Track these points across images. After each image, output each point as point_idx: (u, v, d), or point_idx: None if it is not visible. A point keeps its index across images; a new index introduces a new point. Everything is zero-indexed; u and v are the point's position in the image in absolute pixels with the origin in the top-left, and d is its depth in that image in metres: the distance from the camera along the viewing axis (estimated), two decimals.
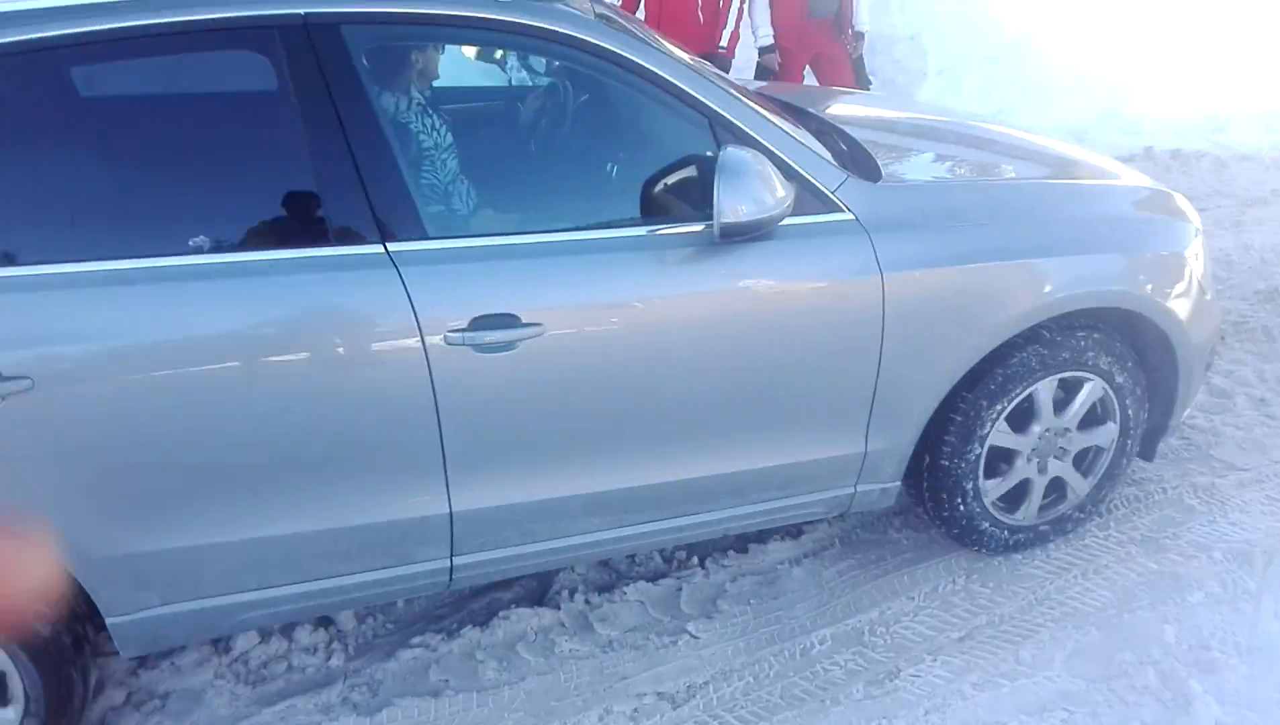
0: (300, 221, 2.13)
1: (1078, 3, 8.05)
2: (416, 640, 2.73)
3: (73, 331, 1.95)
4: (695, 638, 2.75)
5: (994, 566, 2.97)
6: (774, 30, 5.72)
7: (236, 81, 2.22)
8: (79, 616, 2.19)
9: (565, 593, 2.91)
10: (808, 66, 5.97)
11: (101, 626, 2.18)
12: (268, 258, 2.08)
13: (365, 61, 2.13)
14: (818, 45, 5.83)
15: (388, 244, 2.12)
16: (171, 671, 2.53)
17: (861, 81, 6.01)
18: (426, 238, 2.17)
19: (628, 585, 2.93)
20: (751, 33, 5.80)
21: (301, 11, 2.07)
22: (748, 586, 2.94)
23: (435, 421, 2.19)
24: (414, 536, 2.32)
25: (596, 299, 2.29)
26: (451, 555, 2.39)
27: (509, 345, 2.18)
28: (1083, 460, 2.94)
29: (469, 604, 2.89)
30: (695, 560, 3.04)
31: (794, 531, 3.15)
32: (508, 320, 2.17)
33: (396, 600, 2.78)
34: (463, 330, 2.14)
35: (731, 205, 2.18)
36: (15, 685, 2.07)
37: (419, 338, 2.11)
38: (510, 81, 2.87)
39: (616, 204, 2.42)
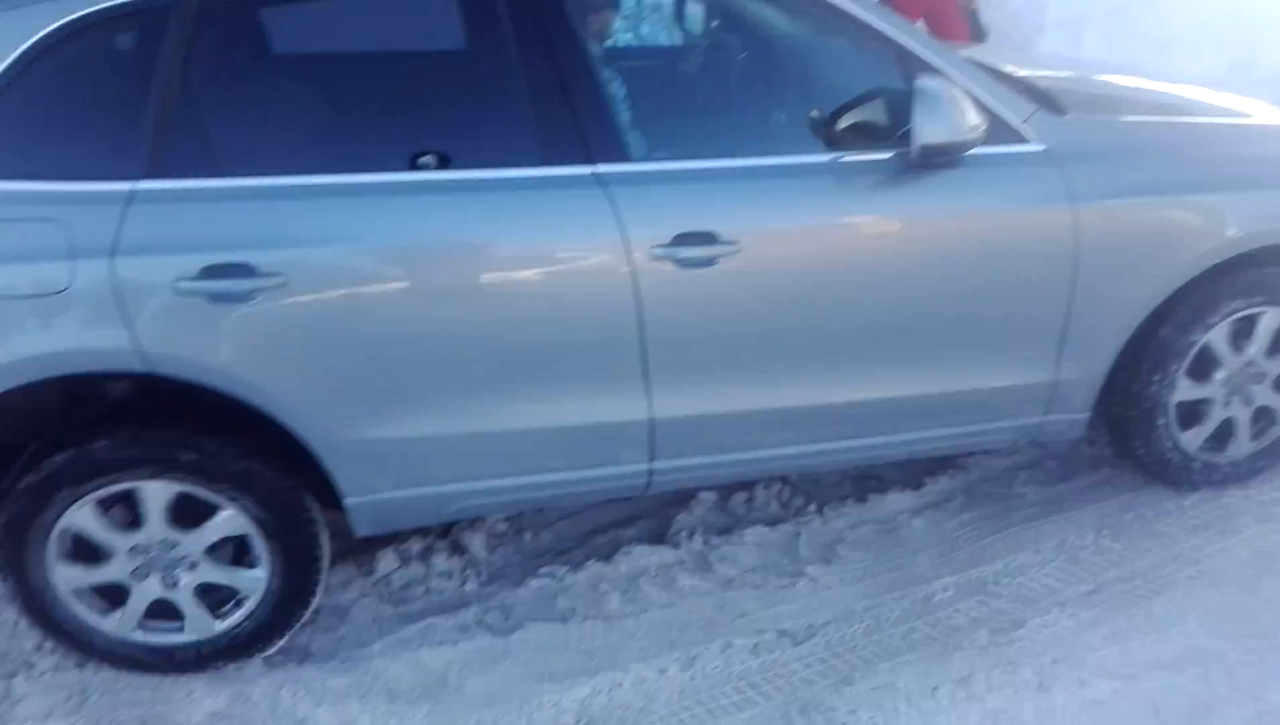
0: (519, 143, 2.32)
1: None
2: (544, 570, 2.83)
3: (319, 236, 2.17)
4: (814, 580, 2.78)
5: (1125, 523, 2.90)
6: None
7: (464, 15, 2.44)
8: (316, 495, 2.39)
9: (685, 533, 2.96)
10: (920, 20, 5.80)
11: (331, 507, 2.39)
12: (489, 176, 2.27)
13: None
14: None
15: (597, 165, 2.28)
16: (321, 588, 2.68)
17: (978, 36, 5.81)
18: (631, 161, 2.33)
19: (746, 529, 2.97)
20: None
21: None
22: (867, 534, 2.95)
23: (638, 330, 2.33)
24: (617, 440, 2.47)
25: (790, 221, 2.42)
26: (651, 460, 2.52)
27: (708, 261, 2.31)
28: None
29: (593, 539, 2.98)
30: (813, 508, 3.06)
31: (914, 483, 3.14)
32: (707, 238, 2.30)
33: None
34: (666, 246, 2.28)
35: (930, 128, 2.26)
36: (261, 551, 2.33)
37: (625, 252, 2.27)
38: (708, 16, 2.99)
39: (807, 133, 2.47)
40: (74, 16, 2.07)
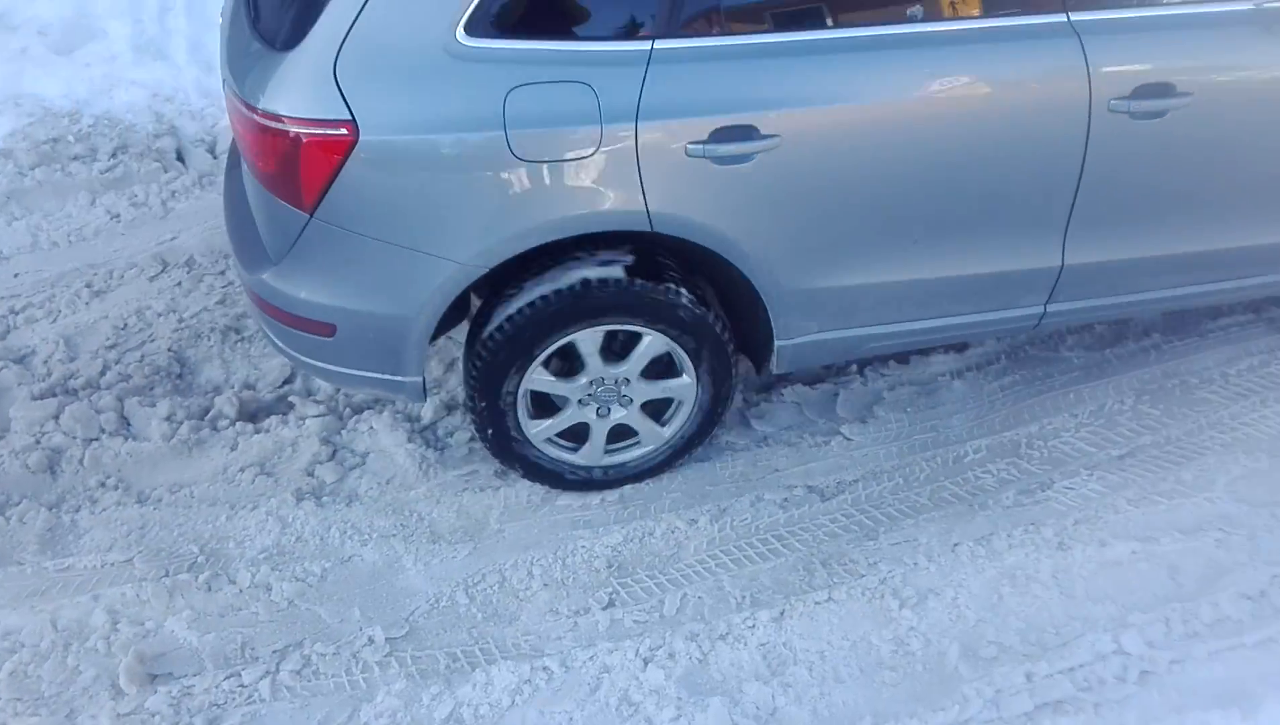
0: None
1: None
2: None
3: (814, 94, 2.21)
4: (848, 439, 2.84)
5: (1168, 388, 2.89)
6: None
7: None
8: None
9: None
10: None
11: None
12: (969, 27, 2.31)
13: None
14: None
15: (1071, 13, 2.29)
16: (370, 434, 2.83)
17: None
18: (1105, 8, 2.33)
19: (785, 387, 3.02)
20: None
21: None
22: (905, 395, 2.98)
23: (1077, 179, 2.41)
24: (1025, 285, 2.60)
25: (1238, 70, 2.43)
26: (1047, 302, 2.65)
27: (1160, 114, 2.36)
28: None
29: None
30: (854, 368, 3.09)
31: (959, 346, 3.13)
32: (1167, 91, 2.34)
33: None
34: (1126, 97, 2.32)
35: None
36: (689, 367, 2.53)
37: (1088, 100, 2.31)
38: None
39: None
40: None
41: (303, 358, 2.44)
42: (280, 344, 2.48)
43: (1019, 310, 2.65)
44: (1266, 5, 2.35)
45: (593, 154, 2.12)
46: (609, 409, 2.55)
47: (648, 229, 2.24)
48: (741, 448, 2.84)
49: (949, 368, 3.07)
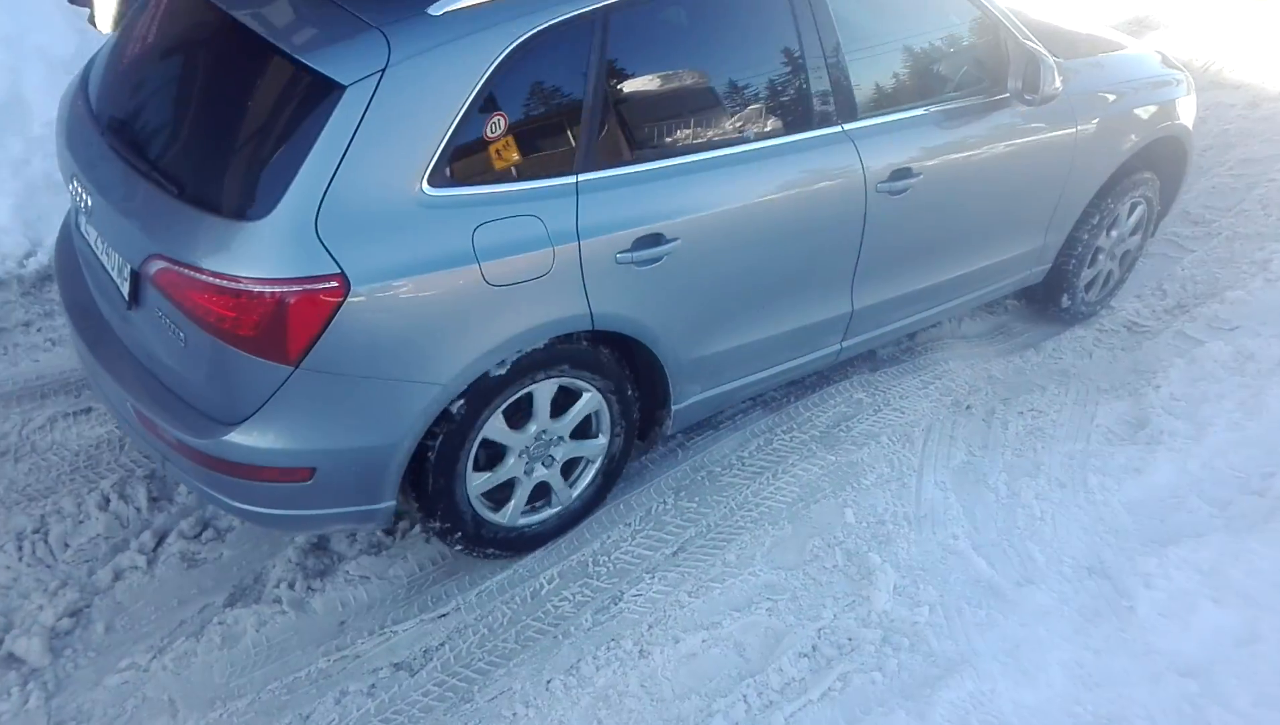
0: (799, 115, 2.93)
1: None
2: (125, 664, 2.56)
3: (699, 203, 2.70)
4: (431, 604, 2.76)
5: (698, 481, 3.19)
6: None
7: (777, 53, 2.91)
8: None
9: (280, 583, 2.81)
10: None
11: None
12: (786, 141, 2.89)
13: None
14: None
15: (844, 125, 2.98)
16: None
17: None
18: (858, 119, 3.02)
19: (349, 562, 2.88)
20: None
21: None
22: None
23: (859, 243, 3.11)
24: (830, 328, 3.26)
25: (956, 151, 3.26)
26: (843, 340, 3.35)
27: (905, 190, 3.11)
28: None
29: (181, 615, 2.74)
30: (415, 529, 3.03)
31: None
32: (907, 173, 3.10)
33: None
34: (884, 181, 3.05)
35: (1051, 85, 3.24)
36: (606, 428, 2.91)
37: (864, 186, 3.01)
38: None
39: (946, 86, 3.29)
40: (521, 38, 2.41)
41: (265, 510, 2.49)
42: (234, 502, 2.48)
43: (827, 348, 3.33)
44: (934, 109, 3.22)
45: (549, 272, 2.47)
46: (534, 467, 2.81)
47: (590, 328, 2.61)
48: (317, 640, 2.65)
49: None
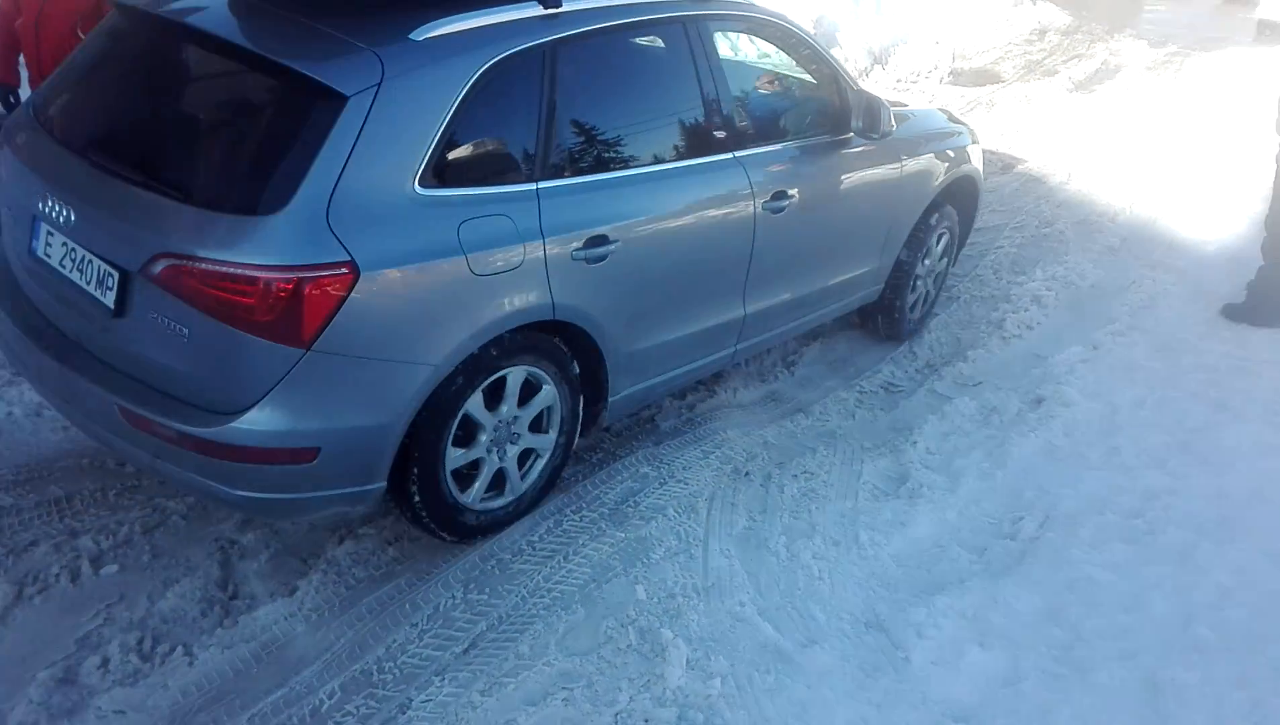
0: (703, 142, 3.48)
1: None
2: None
3: (632, 210, 3.18)
4: None
5: (488, 572, 3.11)
6: None
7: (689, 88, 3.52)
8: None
9: None
10: None
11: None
12: (695, 162, 3.44)
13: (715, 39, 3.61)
14: None
15: (735, 152, 3.57)
16: None
17: None
18: (746, 149, 3.62)
19: (100, 698, 2.60)
20: None
21: (686, 13, 3.50)
22: (244, 655, 2.76)
23: (749, 255, 3.66)
24: (728, 330, 3.78)
25: (819, 178, 3.95)
26: (737, 342, 3.87)
27: (783, 210, 3.71)
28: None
29: None
30: (179, 649, 2.79)
31: (288, 591, 3.02)
32: (785, 195, 3.70)
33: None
34: (767, 201, 3.64)
35: (888, 124, 3.99)
36: (556, 424, 3.31)
37: (753, 205, 3.59)
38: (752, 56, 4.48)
39: (808, 124, 4.03)
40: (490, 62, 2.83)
41: (266, 496, 2.66)
42: (235, 491, 2.63)
43: (726, 350, 3.85)
44: (799, 143, 3.90)
45: (520, 265, 2.85)
46: (501, 452, 3.13)
47: (552, 317, 2.99)
48: None
49: (281, 615, 2.93)
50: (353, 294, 2.50)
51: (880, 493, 3.68)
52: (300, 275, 2.44)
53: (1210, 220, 6.46)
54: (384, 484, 2.80)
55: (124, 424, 2.65)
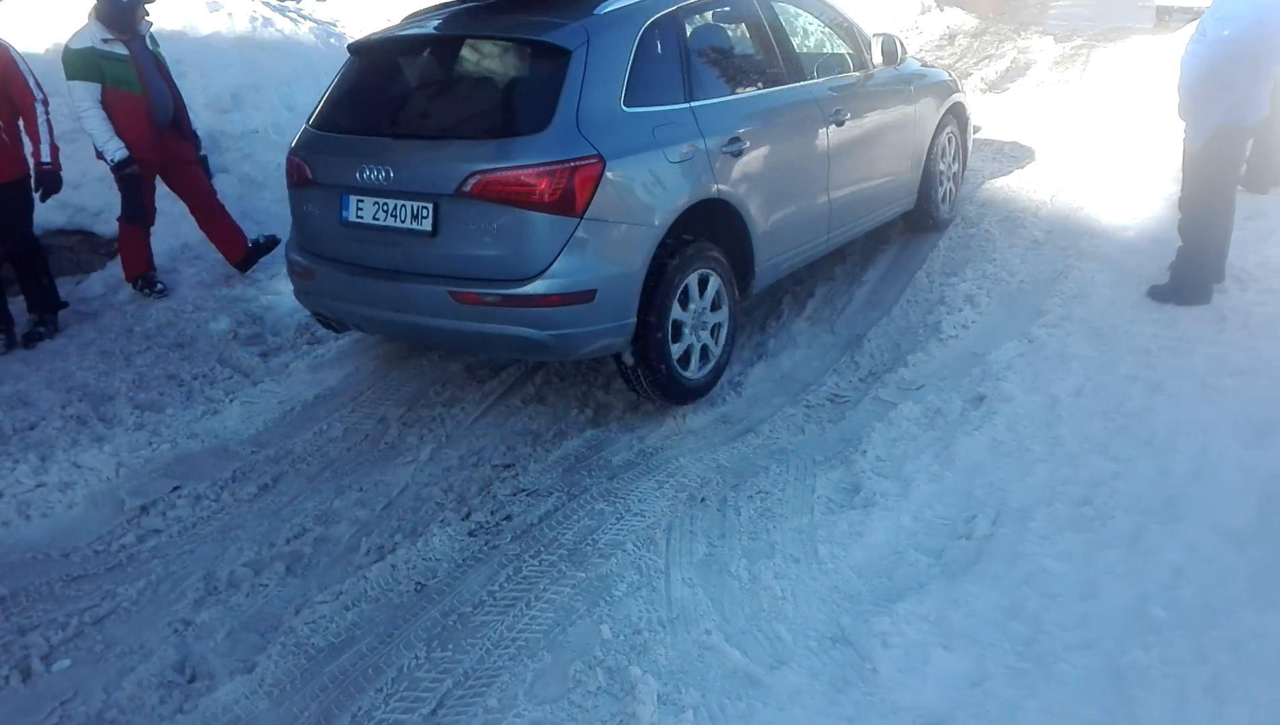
0: (779, 75, 4.86)
1: None
2: None
3: (749, 120, 4.49)
4: None
5: (450, 627, 3.07)
6: (126, 142, 5.36)
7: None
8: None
9: None
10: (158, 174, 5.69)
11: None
12: (779, 89, 4.82)
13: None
14: (171, 149, 5.59)
15: (802, 82, 4.97)
16: None
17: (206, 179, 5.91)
18: (810, 79, 5.05)
19: None
20: (96, 151, 5.39)
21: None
22: None
23: (827, 155, 4.94)
24: (820, 220, 5.01)
25: (861, 101, 5.27)
26: (829, 232, 5.11)
27: (844, 122, 5.03)
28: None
29: None
30: None
31: (246, 668, 2.96)
32: (842, 113, 5.03)
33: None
34: (830, 115, 4.95)
35: (904, 53, 5.48)
36: (725, 298, 4.45)
37: (822, 117, 4.91)
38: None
39: (843, 64, 5.40)
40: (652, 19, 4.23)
41: (563, 331, 3.79)
42: (541, 332, 3.79)
43: (821, 237, 5.07)
44: (846, 76, 5.33)
45: (693, 156, 4.10)
46: (697, 335, 4.30)
47: (715, 195, 4.18)
48: None
49: (242, 694, 2.87)
50: (604, 176, 3.74)
51: (835, 505, 3.71)
52: (571, 165, 3.68)
53: (1128, 206, 6.64)
54: (635, 320, 3.94)
55: (454, 304, 3.80)
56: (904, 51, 5.38)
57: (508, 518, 3.63)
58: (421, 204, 3.81)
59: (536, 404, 4.53)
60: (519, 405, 4.52)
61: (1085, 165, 7.60)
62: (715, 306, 4.35)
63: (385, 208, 3.91)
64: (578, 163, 3.68)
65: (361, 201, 3.97)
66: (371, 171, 3.88)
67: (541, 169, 3.64)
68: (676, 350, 4.13)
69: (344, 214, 4.03)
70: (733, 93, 4.52)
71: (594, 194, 3.69)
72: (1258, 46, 4.63)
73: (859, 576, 3.31)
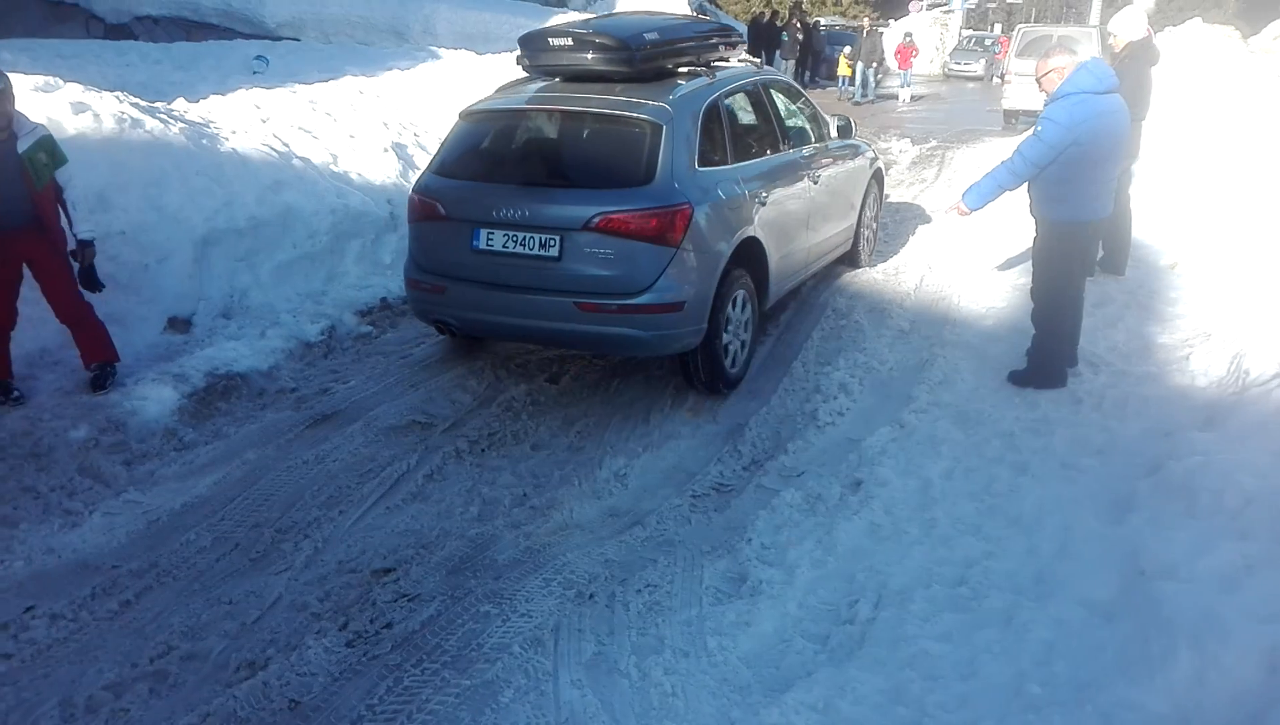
0: (779, 144, 6.35)
1: None
2: None
3: (766, 177, 5.90)
4: None
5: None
6: None
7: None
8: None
9: None
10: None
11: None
12: (782, 153, 6.31)
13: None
14: (19, 251, 5.31)
15: (793, 150, 6.51)
16: None
17: (94, 286, 5.57)
18: (797, 147, 6.58)
19: None
20: None
21: (760, 78, 6.66)
22: None
23: (811, 204, 6.43)
24: (806, 254, 6.50)
25: (827, 163, 6.86)
26: (809, 265, 6.67)
27: (819, 179, 6.53)
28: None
29: None
30: None
31: None
32: (817, 172, 6.54)
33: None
34: (811, 176, 6.46)
35: (855, 131, 7.71)
36: (751, 310, 5.73)
37: (808, 176, 6.41)
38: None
39: (813, 135, 6.96)
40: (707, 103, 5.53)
41: (660, 332, 5.01)
42: (646, 332, 5.00)
43: (803, 269, 6.58)
44: (818, 145, 6.92)
45: (741, 205, 5.43)
46: (735, 337, 5.52)
47: (753, 235, 5.50)
48: None
49: None
50: (693, 218, 4.93)
51: (723, 595, 3.72)
52: (673, 209, 4.89)
53: (986, 296, 7.03)
54: (705, 326, 5.11)
55: (578, 312, 4.90)
56: (854, 129, 7.46)
57: (388, 625, 3.51)
58: (549, 236, 4.92)
59: (419, 502, 4.43)
60: (400, 504, 4.41)
61: (945, 258, 8.04)
62: (746, 322, 5.63)
63: (514, 238, 4.98)
64: (677, 207, 4.91)
65: (492, 233, 5.03)
66: (507, 210, 4.97)
67: (653, 211, 4.86)
68: (723, 341, 5.37)
69: (475, 243, 5.09)
70: (757, 156, 5.87)
71: (687, 230, 4.89)
72: (1079, 149, 4.97)
73: (748, 667, 3.31)
